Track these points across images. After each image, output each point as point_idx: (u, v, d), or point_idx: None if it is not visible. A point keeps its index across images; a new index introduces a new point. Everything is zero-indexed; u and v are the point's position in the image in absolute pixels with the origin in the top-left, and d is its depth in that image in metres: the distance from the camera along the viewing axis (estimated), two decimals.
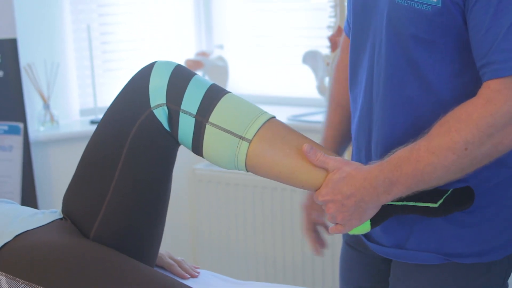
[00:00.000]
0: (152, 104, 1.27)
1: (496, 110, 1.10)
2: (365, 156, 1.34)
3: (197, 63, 2.86)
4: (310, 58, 2.68)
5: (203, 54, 2.98)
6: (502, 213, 1.30)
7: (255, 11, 3.03)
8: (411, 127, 1.24)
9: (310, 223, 1.54)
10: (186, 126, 1.27)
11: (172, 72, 1.29)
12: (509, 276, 1.36)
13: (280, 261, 2.68)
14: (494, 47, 1.11)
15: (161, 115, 1.27)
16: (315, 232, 1.54)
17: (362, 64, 1.33)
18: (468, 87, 1.19)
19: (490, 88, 1.12)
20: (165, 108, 1.27)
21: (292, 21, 2.93)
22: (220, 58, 2.95)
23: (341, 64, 1.51)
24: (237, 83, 2.98)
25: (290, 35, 2.95)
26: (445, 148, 1.13)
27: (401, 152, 1.19)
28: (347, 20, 1.49)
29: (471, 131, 1.11)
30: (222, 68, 2.92)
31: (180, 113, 1.27)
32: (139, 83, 1.29)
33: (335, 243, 2.25)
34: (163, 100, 1.27)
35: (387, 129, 1.28)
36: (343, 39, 1.53)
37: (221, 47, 3.03)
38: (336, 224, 1.25)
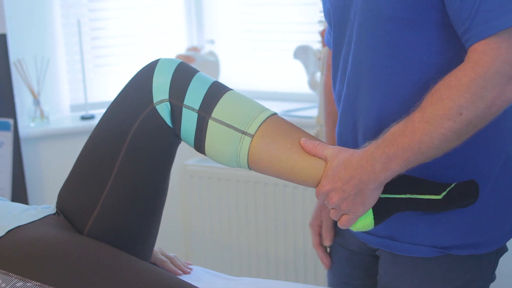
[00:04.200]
0: (155, 100, 1.27)
1: (485, 72, 1.10)
2: None
3: (188, 58, 2.85)
4: (301, 53, 2.67)
5: (194, 49, 2.97)
6: (498, 205, 1.31)
7: (246, 6, 3.02)
8: (397, 112, 1.24)
9: (318, 238, 1.55)
10: (188, 121, 1.27)
11: (175, 69, 1.30)
12: (497, 267, 1.38)
13: (273, 256, 2.68)
14: (474, 11, 1.11)
15: (164, 111, 1.27)
16: (325, 246, 1.56)
17: (344, 59, 1.33)
18: (452, 62, 1.19)
19: (477, 51, 1.11)
20: (168, 103, 1.27)
21: (283, 16, 2.93)
22: (211, 53, 2.94)
23: (329, 83, 1.51)
24: (228, 78, 2.97)
25: (282, 30, 2.95)
26: (440, 116, 1.13)
27: (396, 127, 1.18)
28: (328, 30, 1.50)
29: (463, 96, 1.11)
30: (213, 63, 2.91)
31: (183, 109, 1.27)
32: (143, 80, 1.29)
33: None
34: (166, 96, 1.27)
35: (375, 116, 1.28)
36: (328, 54, 1.54)
37: (212, 42, 3.02)
38: (341, 217, 1.24)
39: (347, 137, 1.36)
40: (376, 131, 1.27)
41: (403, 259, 1.35)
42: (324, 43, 1.58)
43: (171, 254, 1.56)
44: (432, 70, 1.22)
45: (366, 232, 1.38)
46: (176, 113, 1.27)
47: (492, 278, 1.38)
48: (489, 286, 1.39)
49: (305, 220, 2.57)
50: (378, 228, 1.32)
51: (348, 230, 1.47)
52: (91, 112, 2.90)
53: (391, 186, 1.23)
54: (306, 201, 2.56)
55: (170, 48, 3.04)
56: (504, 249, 1.37)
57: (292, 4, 2.91)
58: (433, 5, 1.17)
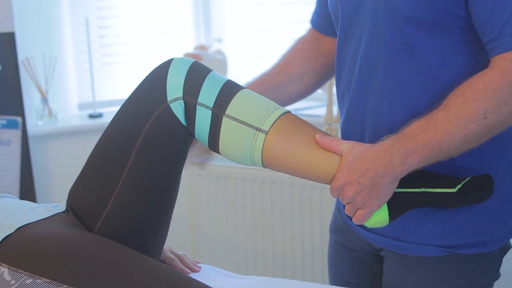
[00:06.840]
0: (169, 98, 1.27)
1: None
2: None
3: (195, 57, 2.84)
4: None
5: (202, 47, 2.97)
6: (503, 203, 1.31)
7: (254, 4, 3.02)
8: (409, 114, 1.24)
9: None
10: (203, 119, 1.27)
11: (189, 68, 1.30)
12: (501, 264, 1.39)
13: (280, 255, 2.68)
14: (504, 21, 1.12)
15: (178, 109, 1.27)
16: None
17: (353, 56, 1.33)
18: (467, 64, 1.21)
19: (506, 59, 1.13)
20: (182, 102, 1.27)
21: (291, 14, 2.92)
22: (219, 52, 2.94)
23: (303, 40, 1.59)
24: (236, 77, 2.97)
25: (289, 28, 2.94)
26: (464, 117, 1.14)
27: (417, 124, 1.19)
28: (316, 12, 1.52)
29: (489, 101, 1.13)
30: (221, 61, 2.91)
31: (197, 106, 1.27)
32: (157, 78, 1.29)
33: None
34: (180, 94, 1.27)
35: (384, 116, 1.28)
36: (310, 30, 1.58)
37: (219, 40, 3.02)
38: (356, 212, 1.23)
39: (352, 134, 1.36)
40: (384, 130, 1.27)
41: (409, 259, 1.35)
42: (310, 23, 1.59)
43: (180, 252, 1.56)
44: (448, 73, 1.22)
45: (371, 232, 1.38)
46: (190, 111, 1.27)
47: (496, 276, 1.39)
48: (493, 284, 1.39)
49: (312, 219, 2.57)
50: (384, 227, 1.32)
51: (351, 229, 1.47)
52: (99, 110, 2.90)
53: (406, 180, 1.23)
54: (313, 199, 2.56)
55: (178, 46, 3.04)
56: (508, 246, 1.38)
57: (300, 3, 2.90)
58: (456, 12, 1.18)
